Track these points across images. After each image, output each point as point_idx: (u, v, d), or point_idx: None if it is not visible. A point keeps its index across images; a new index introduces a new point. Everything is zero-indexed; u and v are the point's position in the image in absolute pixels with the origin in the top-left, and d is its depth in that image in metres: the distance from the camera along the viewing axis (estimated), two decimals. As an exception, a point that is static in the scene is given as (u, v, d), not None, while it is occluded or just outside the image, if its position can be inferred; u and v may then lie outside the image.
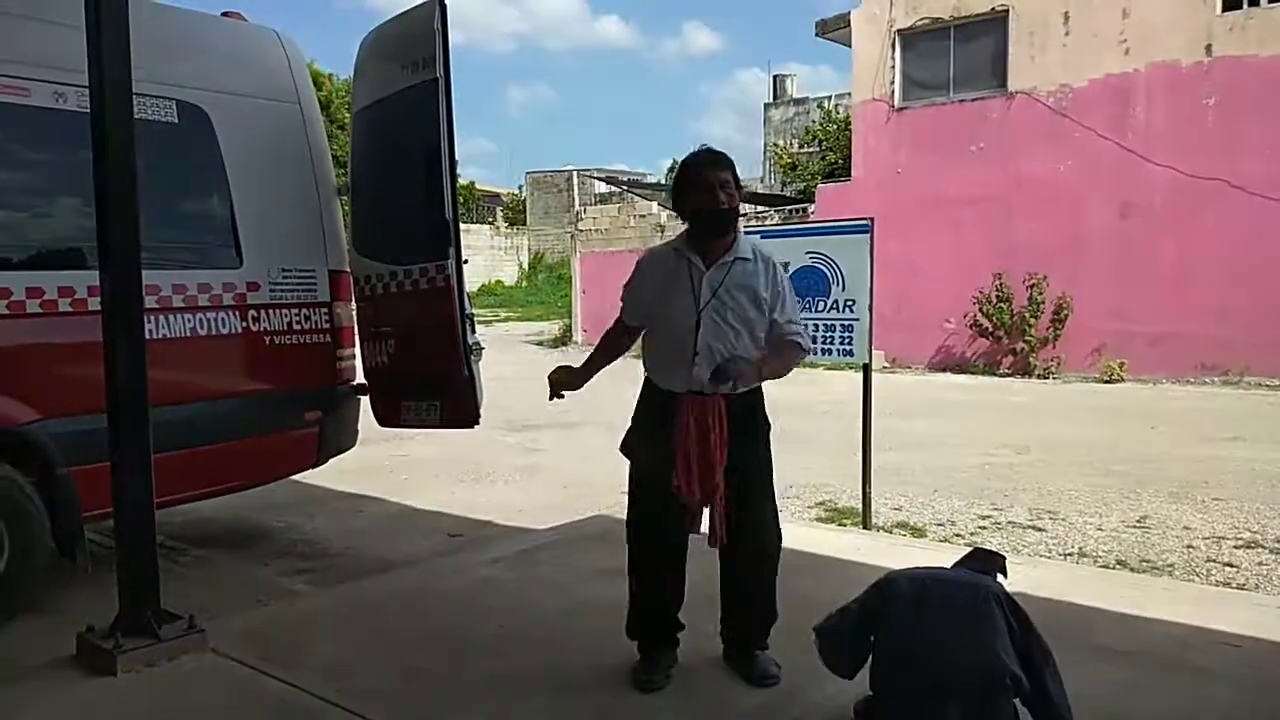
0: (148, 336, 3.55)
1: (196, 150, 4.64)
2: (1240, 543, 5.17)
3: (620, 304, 3.36)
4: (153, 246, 3.96)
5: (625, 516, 3.35)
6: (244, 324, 4.69)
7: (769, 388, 3.28)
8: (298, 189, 4.99)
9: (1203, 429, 8.95)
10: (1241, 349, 12.49)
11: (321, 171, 5.12)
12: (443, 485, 6.97)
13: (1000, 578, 2.84)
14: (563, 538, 5.13)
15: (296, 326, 4.88)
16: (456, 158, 4.58)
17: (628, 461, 3.32)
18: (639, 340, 3.37)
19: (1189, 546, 5.12)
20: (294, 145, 5.01)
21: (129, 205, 3.43)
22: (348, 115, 5.59)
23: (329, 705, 3.08)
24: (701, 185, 3.14)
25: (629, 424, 3.32)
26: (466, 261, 4.61)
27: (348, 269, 5.09)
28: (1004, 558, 2.94)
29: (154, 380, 3.50)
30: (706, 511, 3.15)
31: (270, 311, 4.78)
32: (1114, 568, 4.75)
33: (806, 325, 5.37)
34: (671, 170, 37.78)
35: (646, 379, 3.30)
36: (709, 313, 3.11)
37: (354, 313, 5.10)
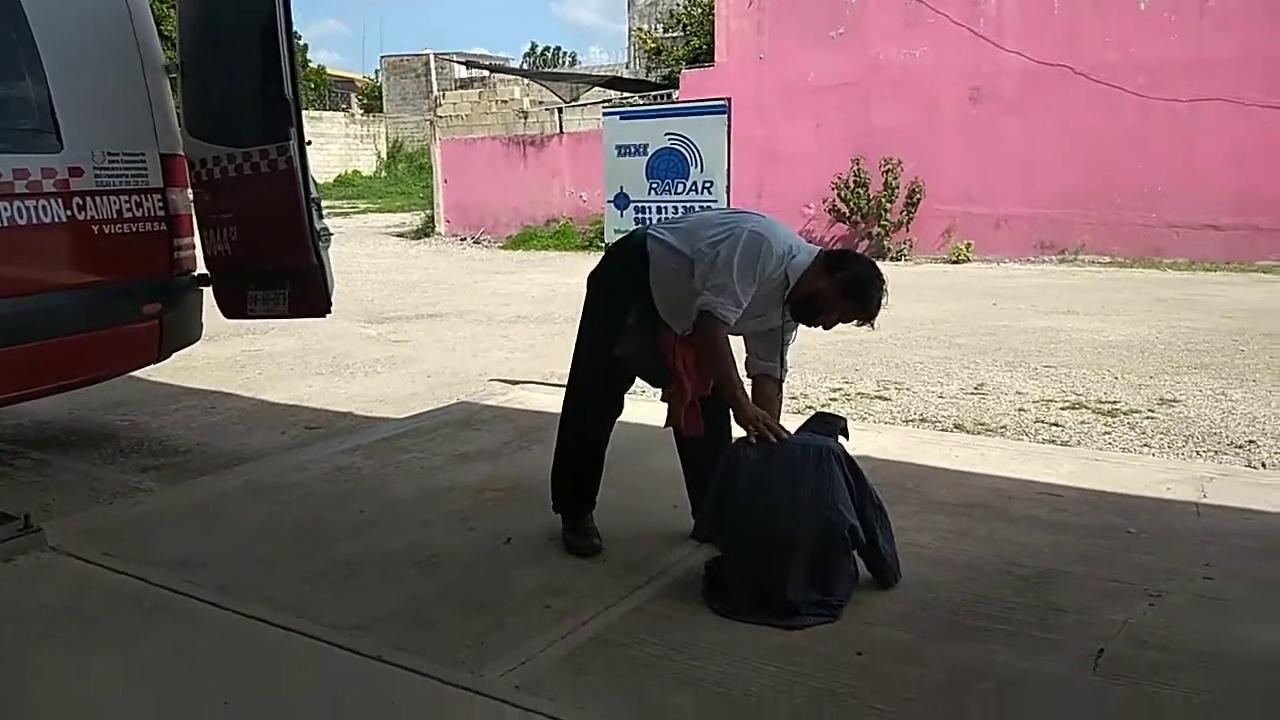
0: (-45, 224, 3.27)
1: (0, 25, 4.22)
2: (1066, 404, 5.57)
3: (736, 306, 3.01)
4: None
5: (572, 385, 3.43)
6: (68, 212, 4.36)
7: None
8: (121, 67, 4.60)
9: (1039, 304, 9.49)
10: (1078, 229, 13.21)
11: (147, 47, 4.73)
12: (299, 379, 6.79)
13: (842, 439, 2.99)
14: (425, 425, 5.10)
15: (128, 214, 4.58)
16: (295, 29, 4.34)
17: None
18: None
19: (1020, 410, 5.48)
20: (114, 19, 4.59)
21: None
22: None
23: (180, 596, 3.02)
24: (859, 316, 3.06)
25: (622, 322, 3.19)
26: (310, 142, 4.40)
27: (181, 152, 4.78)
28: (845, 420, 3.08)
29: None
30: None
31: (97, 198, 4.46)
32: (951, 431, 5.05)
33: (666, 209, 5.46)
34: (532, 54, 36.61)
35: (640, 296, 3.19)
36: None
37: (191, 199, 4.82)
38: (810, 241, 3.36)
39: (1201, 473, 4.10)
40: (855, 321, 3.09)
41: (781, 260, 3.04)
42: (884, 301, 3.07)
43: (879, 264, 3.18)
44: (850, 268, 3.07)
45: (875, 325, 3.10)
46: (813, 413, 3.33)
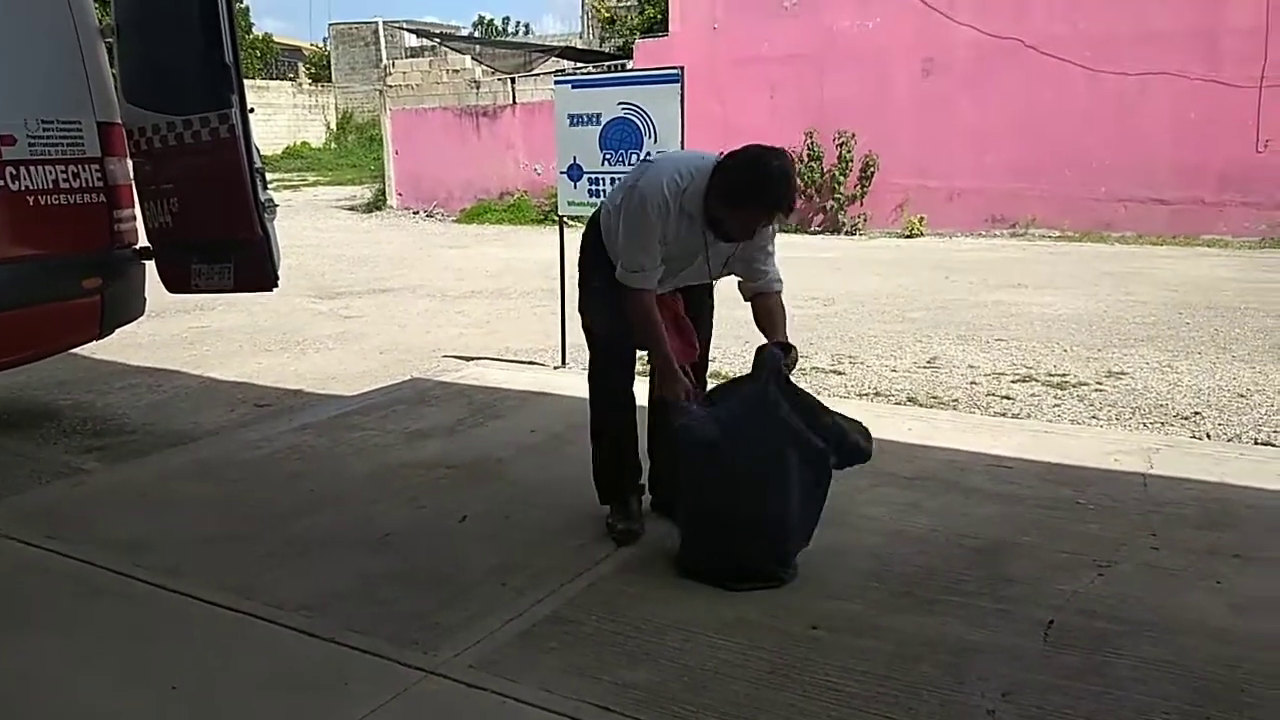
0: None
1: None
2: (1017, 377, 5.63)
3: (639, 270, 2.95)
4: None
5: (592, 374, 3.32)
6: (1, 182, 4.22)
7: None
8: (53, 30, 4.43)
9: (991, 278, 9.59)
10: (1028, 202, 13.35)
11: (80, 10, 4.56)
12: (248, 356, 6.65)
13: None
14: (376, 403, 5.03)
15: (64, 185, 4.43)
16: (236, -4, 4.21)
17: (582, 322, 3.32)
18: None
19: (972, 383, 5.53)
20: (44, -21, 4.43)
21: None
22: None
23: (127, 579, 2.95)
24: (765, 214, 2.86)
25: (589, 287, 3.20)
26: (253, 110, 4.29)
27: (119, 120, 4.64)
28: (793, 347, 3.06)
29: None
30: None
31: (31, 168, 4.31)
32: (905, 404, 5.09)
33: (620, 181, 5.40)
34: (481, 25, 35.94)
35: (602, 266, 3.11)
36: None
37: (131, 169, 4.68)
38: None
39: (1148, 444, 4.17)
40: (778, 217, 2.91)
41: (667, 205, 2.87)
42: (787, 183, 2.79)
43: (773, 161, 2.80)
44: (726, 171, 2.83)
45: (785, 217, 2.95)
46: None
